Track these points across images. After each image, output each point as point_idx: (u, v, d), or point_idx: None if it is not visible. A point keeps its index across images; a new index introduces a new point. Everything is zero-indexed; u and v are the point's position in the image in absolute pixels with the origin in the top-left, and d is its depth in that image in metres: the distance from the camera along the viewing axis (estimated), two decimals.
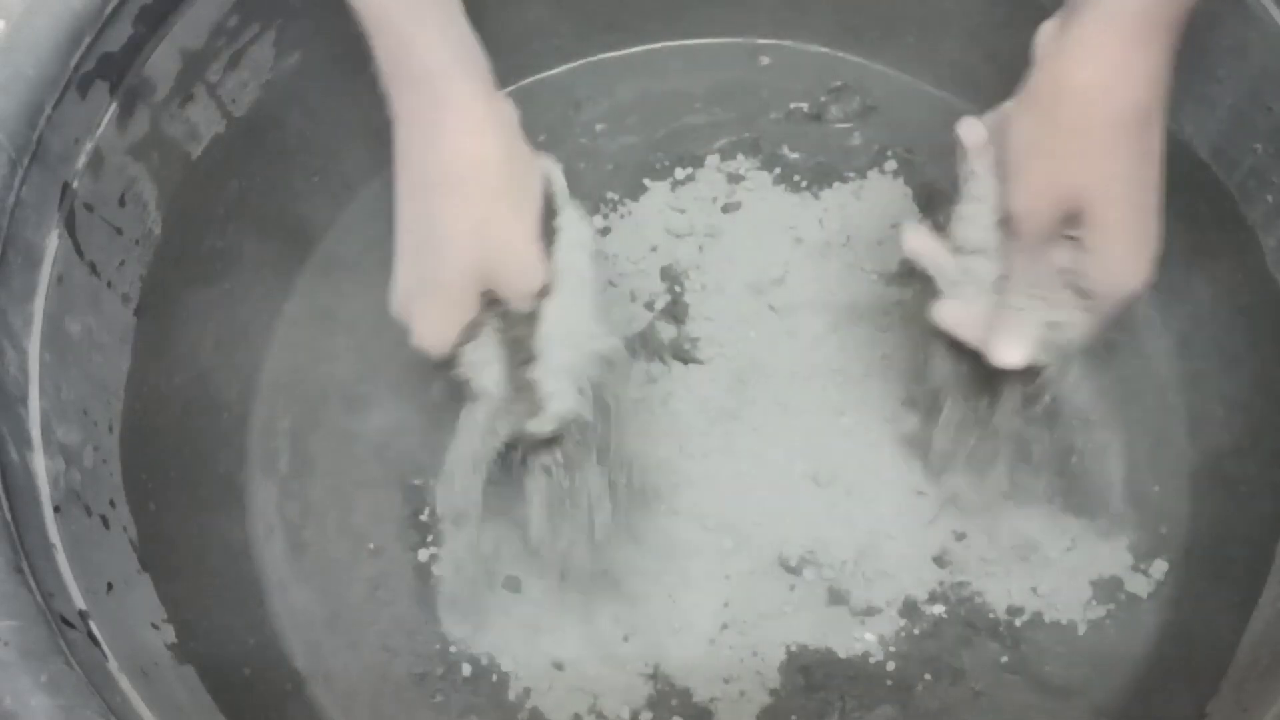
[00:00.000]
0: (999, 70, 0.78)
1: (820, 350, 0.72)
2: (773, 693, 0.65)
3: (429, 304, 0.57)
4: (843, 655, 0.65)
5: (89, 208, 0.57)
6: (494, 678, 0.66)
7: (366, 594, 0.68)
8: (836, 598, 0.66)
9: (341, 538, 0.69)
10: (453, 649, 0.66)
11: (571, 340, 0.58)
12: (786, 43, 0.81)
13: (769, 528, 0.68)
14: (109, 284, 0.60)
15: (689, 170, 0.77)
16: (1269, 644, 0.59)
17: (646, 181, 0.77)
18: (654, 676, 0.65)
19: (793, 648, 0.66)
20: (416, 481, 0.70)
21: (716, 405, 0.71)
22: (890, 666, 0.65)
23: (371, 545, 0.69)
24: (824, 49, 0.81)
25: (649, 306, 0.74)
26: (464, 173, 0.55)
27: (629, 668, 0.65)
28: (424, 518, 0.69)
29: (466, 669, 0.66)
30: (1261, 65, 0.63)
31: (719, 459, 0.70)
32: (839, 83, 0.80)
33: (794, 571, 0.67)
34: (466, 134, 0.55)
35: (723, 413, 0.71)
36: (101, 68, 0.57)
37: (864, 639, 0.66)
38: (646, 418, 0.70)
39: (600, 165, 0.78)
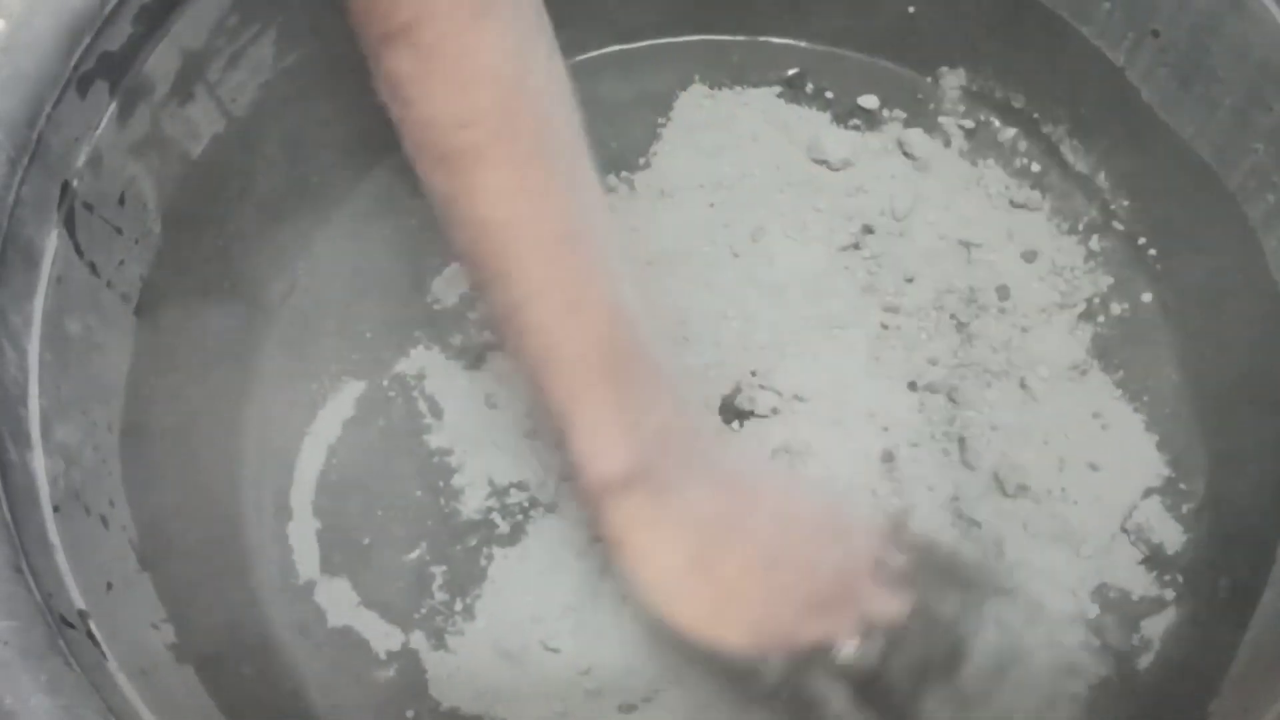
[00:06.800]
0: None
1: None
2: None
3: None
4: None
5: (89, 207, 0.57)
6: None
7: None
8: None
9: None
10: None
11: None
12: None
13: None
14: (109, 283, 0.59)
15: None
16: (1269, 644, 0.59)
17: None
18: None
19: None
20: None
21: None
22: None
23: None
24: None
25: None
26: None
27: None
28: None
29: None
30: (1262, 64, 0.63)
31: None
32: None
33: None
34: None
35: None
36: (101, 67, 0.56)
37: None
38: None
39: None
